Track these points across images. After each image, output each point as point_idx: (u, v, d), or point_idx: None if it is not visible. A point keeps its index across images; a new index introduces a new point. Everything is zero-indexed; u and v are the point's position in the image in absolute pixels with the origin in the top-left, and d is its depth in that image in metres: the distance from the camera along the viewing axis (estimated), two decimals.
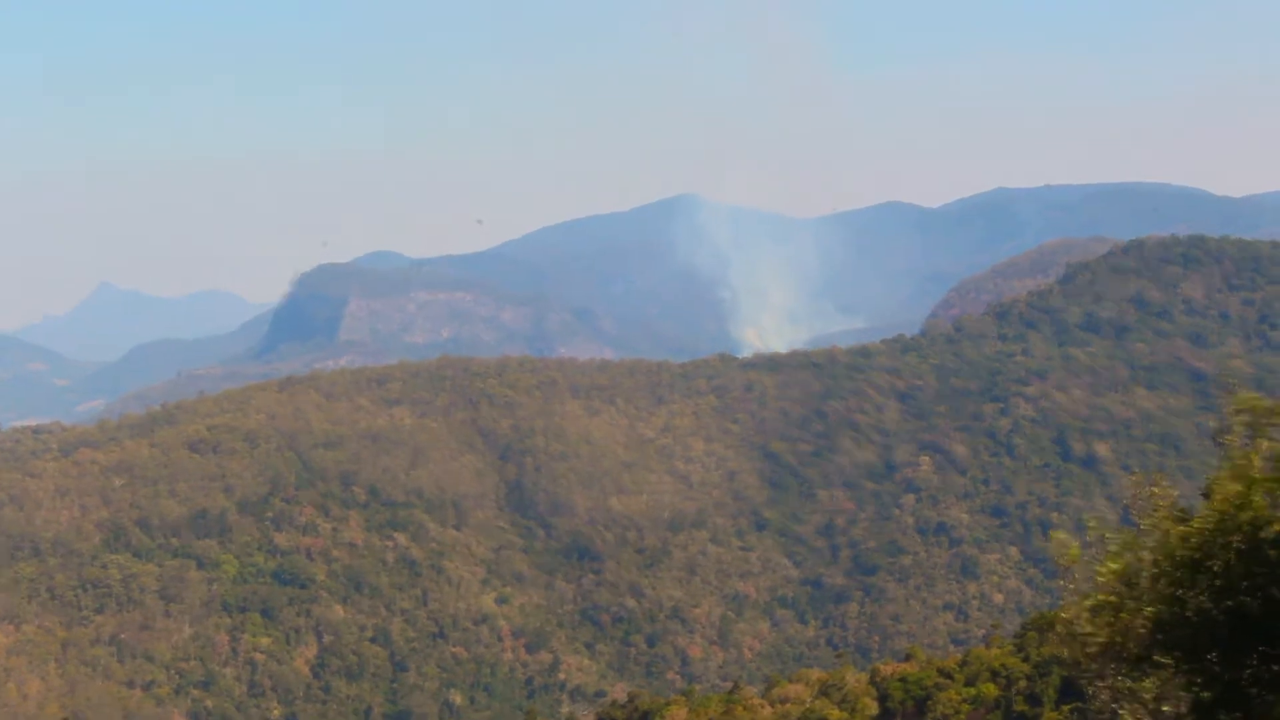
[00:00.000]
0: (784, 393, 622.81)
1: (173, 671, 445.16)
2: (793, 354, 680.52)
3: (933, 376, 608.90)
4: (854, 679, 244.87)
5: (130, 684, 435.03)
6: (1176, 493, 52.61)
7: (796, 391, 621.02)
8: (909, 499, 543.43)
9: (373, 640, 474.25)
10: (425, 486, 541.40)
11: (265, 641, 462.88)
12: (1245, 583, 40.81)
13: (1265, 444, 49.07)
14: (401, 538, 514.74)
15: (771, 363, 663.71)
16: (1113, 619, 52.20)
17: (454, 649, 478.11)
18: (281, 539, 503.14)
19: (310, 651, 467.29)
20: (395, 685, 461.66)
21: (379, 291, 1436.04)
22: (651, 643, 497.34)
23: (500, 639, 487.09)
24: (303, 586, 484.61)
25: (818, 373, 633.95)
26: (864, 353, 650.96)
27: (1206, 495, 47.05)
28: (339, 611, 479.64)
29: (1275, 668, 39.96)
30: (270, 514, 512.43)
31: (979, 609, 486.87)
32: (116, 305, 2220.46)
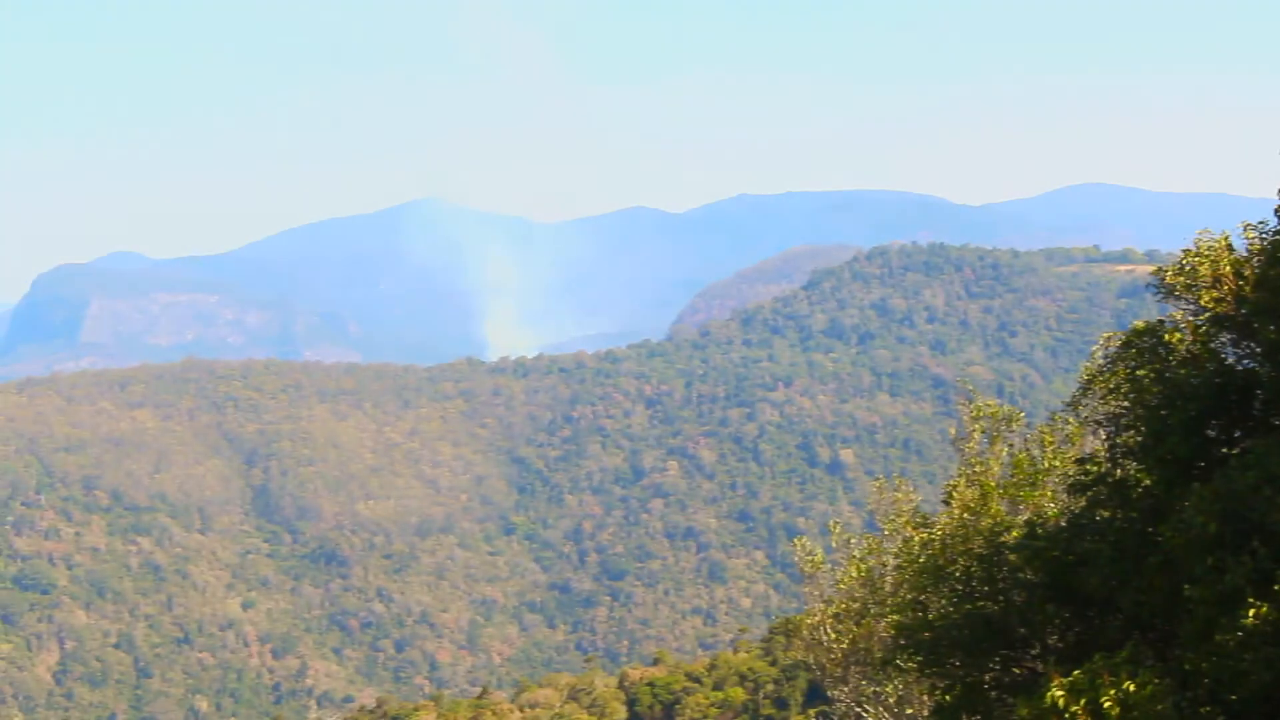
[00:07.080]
0: (532, 397, 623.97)
1: None
2: (540, 359, 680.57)
3: (680, 382, 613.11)
4: (603, 683, 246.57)
5: None
6: (919, 498, 54.29)
7: (544, 396, 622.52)
8: (657, 504, 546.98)
9: (116, 646, 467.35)
10: (169, 491, 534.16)
11: (5, 648, 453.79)
12: (985, 587, 42.14)
13: (1003, 450, 50.85)
14: (145, 542, 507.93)
15: (519, 367, 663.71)
16: (855, 625, 53.66)
17: (199, 654, 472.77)
18: (22, 543, 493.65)
19: (52, 658, 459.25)
20: (140, 692, 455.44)
21: (120, 293, 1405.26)
22: (400, 648, 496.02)
23: (246, 644, 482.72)
24: (44, 592, 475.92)
25: (565, 378, 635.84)
26: (611, 358, 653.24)
27: (947, 501, 48.58)
28: (82, 617, 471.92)
29: (1015, 671, 41.36)
30: (10, 518, 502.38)
31: (727, 613, 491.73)
32: None
